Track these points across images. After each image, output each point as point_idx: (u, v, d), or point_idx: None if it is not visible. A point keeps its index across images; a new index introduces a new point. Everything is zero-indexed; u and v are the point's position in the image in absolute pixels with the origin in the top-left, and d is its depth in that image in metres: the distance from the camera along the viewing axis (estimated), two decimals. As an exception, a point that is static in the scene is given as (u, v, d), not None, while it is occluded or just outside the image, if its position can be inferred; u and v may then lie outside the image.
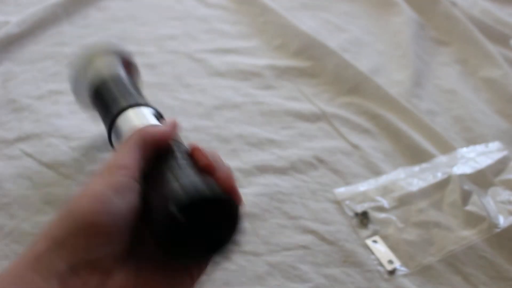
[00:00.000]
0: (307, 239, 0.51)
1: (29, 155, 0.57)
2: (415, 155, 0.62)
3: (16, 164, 0.56)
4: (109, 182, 0.29)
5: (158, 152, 0.33)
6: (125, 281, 0.28)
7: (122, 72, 0.52)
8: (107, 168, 0.30)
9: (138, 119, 0.43)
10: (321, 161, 0.60)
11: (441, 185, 0.57)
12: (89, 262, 0.26)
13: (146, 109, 0.44)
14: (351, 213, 0.54)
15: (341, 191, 0.56)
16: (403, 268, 0.49)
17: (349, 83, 0.73)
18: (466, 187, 0.56)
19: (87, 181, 0.30)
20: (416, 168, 0.60)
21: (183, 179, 0.30)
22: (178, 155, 0.33)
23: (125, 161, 0.31)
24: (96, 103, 0.50)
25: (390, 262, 0.50)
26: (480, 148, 0.64)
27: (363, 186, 0.57)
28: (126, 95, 0.47)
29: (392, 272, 0.49)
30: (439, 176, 0.58)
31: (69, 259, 0.26)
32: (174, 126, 0.36)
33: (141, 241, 0.30)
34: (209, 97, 0.69)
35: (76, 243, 0.26)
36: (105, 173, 0.30)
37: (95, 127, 0.61)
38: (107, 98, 0.48)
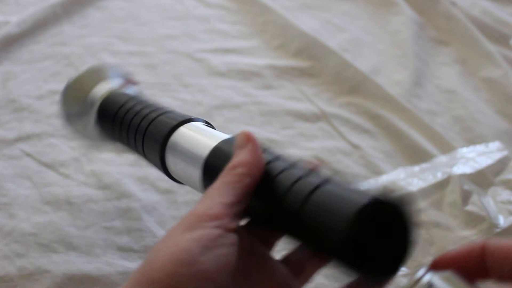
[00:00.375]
0: (307, 239, 0.51)
1: (29, 155, 0.57)
2: (415, 155, 0.62)
3: (16, 164, 0.56)
4: (196, 236, 0.24)
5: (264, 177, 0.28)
6: None
7: (134, 92, 0.47)
8: (194, 218, 0.25)
9: (202, 135, 0.36)
10: (321, 161, 0.60)
11: (441, 185, 0.57)
12: None
13: (197, 123, 0.38)
14: (351, 213, 0.54)
15: (341, 191, 0.56)
16: (403, 268, 0.49)
17: (349, 83, 0.73)
18: (466, 187, 0.56)
19: (168, 233, 0.25)
20: (416, 168, 0.60)
21: (335, 188, 0.26)
22: (297, 170, 0.28)
23: (215, 210, 0.25)
24: (115, 129, 0.44)
25: (390, 262, 0.50)
26: (480, 148, 0.63)
27: (363, 186, 0.57)
28: (164, 112, 0.40)
29: (392, 272, 0.49)
30: (439, 176, 0.58)
31: None
32: (254, 142, 0.29)
33: None
34: (209, 97, 0.69)
35: None
36: (191, 224, 0.25)
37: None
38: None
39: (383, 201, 0.24)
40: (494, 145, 0.64)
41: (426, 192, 0.57)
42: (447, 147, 0.63)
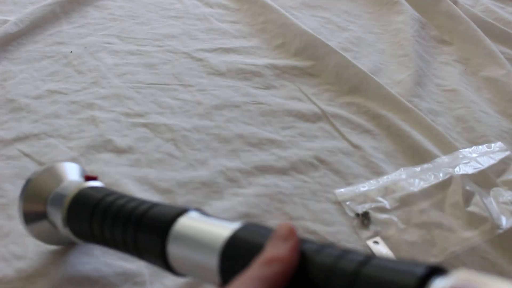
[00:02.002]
0: (307, 240, 0.50)
1: (27, 155, 0.56)
2: (417, 155, 0.61)
3: (14, 164, 0.55)
4: None
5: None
6: None
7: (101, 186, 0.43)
8: None
9: (208, 223, 0.33)
10: (321, 161, 0.60)
11: (443, 185, 0.57)
12: None
13: (194, 213, 0.35)
14: (352, 214, 0.54)
15: (342, 191, 0.56)
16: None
17: (350, 83, 0.72)
18: (468, 187, 0.56)
19: None
20: (418, 169, 0.59)
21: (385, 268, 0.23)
22: (333, 250, 0.26)
23: None
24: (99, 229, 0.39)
25: (392, 263, 0.49)
26: (482, 148, 0.63)
27: (364, 187, 0.57)
28: (155, 205, 0.37)
29: (393, 274, 0.48)
30: (441, 176, 0.58)
31: None
32: (295, 237, 0.26)
33: None
34: (209, 97, 0.68)
35: None
36: None
37: (93, 127, 0.61)
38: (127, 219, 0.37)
39: (438, 268, 0.23)
40: (497, 145, 0.64)
41: (428, 192, 0.56)
42: (449, 148, 0.62)
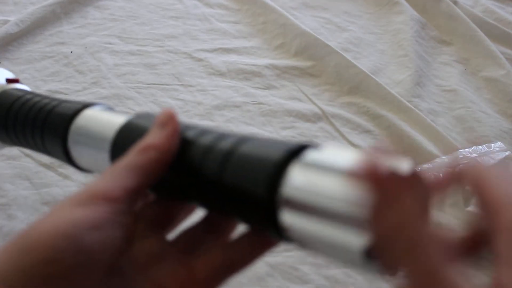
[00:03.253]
0: (307, 240, 0.50)
1: (27, 155, 0.56)
2: (417, 156, 0.61)
3: (15, 164, 0.55)
4: (86, 213, 0.22)
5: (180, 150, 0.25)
6: None
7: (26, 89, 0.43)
8: (89, 195, 0.23)
9: (109, 114, 0.32)
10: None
11: (443, 185, 0.57)
12: None
13: (100, 106, 0.34)
14: (352, 214, 0.54)
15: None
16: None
17: (350, 83, 0.72)
18: (468, 187, 0.56)
19: (55, 206, 0.23)
20: (418, 169, 0.59)
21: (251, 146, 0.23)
22: (209, 135, 0.26)
23: (114, 192, 0.23)
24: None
25: (392, 263, 0.49)
26: (482, 148, 0.63)
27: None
28: (63, 101, 0.36)
29: (393, 273, 0.48)
30: (441, 176, 0.58)
31: None
32: (175, 124, 0.26)
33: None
34: (209, 97, 0.68)
35: (31, 284, 0.20)
36: (83, 200, 0.22)
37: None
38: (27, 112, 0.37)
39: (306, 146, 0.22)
40: (496, 145, 0.64)
41: (428, 192, 0.56)
42: (449, 148, 0.62)
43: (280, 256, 0.49)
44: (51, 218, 0.22)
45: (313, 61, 0.76)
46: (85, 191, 0.23)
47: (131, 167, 0.24)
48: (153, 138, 0.25)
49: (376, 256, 0.19)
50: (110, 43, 0.77)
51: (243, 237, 0.25)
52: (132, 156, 0.24)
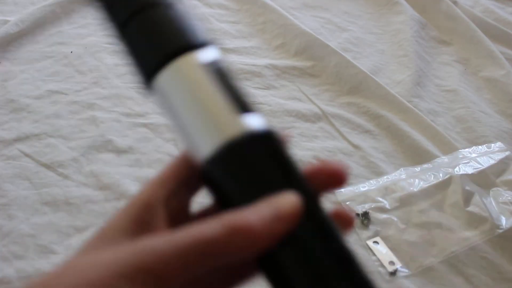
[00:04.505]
0: (307, 240, 0.50)
1: (28, 155, 0.56)
2: (416, 156, 0.61)
3: (15, 164, 0.55)
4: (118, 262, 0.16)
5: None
6: None
7: None
8: (131, 263, 0.17)
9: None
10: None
11: (443, 185, 0.57)
12: None
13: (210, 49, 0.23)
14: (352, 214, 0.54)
15: (342, 191, 0.56)
16: (404, 270, 0.49)
17: (350, 83, 0.72)
18: (468, 187, 0.56)
19: (71, 255, 0.18)
20: (417, 169, 0.59)
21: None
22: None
23: (166, 268, 0.17)
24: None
25: (392, 263, 0.49)
26: (482, 148, 0.63)
27: (364, 187, 0.57)
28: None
29: (393, 273, 0.49)
30: (441, 176, 0.58)
31: None
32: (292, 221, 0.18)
33: None
34: (209, 97, 0.68)
35: None
36: (105, 243, 0.18)
37: (94, 127, 0.61)
38: None
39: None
40: (496, 145, 0.64)
41: (428, 192, 0.56)
42: (448, 148, 0.62)
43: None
44: (72, 271, 0.17)
45: (313, 61, 0.76)
46: (128, 255, 0.17)
47: (202, 246, 0.17)
48: (256, 220, 0.18)
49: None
50: (110, 43, 0.77)
51: None
52: (213, 231, 0.17)
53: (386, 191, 0.56)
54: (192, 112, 0.21)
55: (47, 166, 0.55)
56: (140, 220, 0.19)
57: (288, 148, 0.21)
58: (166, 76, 0.21)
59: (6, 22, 0.75)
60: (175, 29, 0.23)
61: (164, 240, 0.17)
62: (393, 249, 0.51)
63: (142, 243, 0.17)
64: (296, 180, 0.20)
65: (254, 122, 0.21)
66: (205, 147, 0.20)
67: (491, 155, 0.62)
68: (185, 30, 0.23)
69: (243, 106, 0.21)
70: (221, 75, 0.22)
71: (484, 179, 0.58)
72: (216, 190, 0.21)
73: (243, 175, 0.20)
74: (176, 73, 0.21)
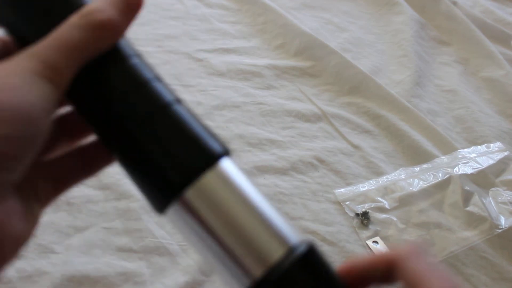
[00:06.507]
0: (307, 240, 0.51)
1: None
2: (416, 156, 0.62)
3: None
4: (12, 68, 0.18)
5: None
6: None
7: None
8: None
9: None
10: (321, 161, 0.60)
11: (442, 185, 0.57)
12: None
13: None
14: (351, 214, 0.54)
15: (342, 191, 0.56)
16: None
17: (350, 83, 0.72)
18: (467, 187, 0.56)
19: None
20: (417, 169, 0.59)
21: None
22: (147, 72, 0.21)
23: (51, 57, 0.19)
24: None
25: (391, 263, 0.49)
26: (481, 148, 0.63)
27: (363, 187, 0.57)
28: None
29: (392, 273, 0.49)
30: (440, 176, 0.58)
31: None
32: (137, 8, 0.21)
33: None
34: (209, 97, 0.69)
35: None
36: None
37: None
38: None
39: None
40: (496, 145, 0.64)
41: (427, 192, 0.56)
42: (448, 148, 0.62)
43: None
44: None
45: (313, 61, 0.77)
46: (32, 57, 0.18)
47: (72, 27, 0.19)
48: (106, 7, 0.20)
49: None
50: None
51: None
52: (73, 30, 0.19)
53: (385, 191, 0.57)
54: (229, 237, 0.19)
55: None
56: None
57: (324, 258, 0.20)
58: (193, 196, 0.19)
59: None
60: (194, 139, 0.20)
61: (49, 44, 0.19)
62: (392, 248, 0.51)
63: (33, 49, 0.19)
64: None
65: (292, 237, 0.19)
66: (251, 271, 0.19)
67: (490, 155, 0.62)
68: (204, 139, 0.20)
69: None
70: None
71: (484, 179, 0.58)
72: None
73: None
74: (206, 191, 0.19)
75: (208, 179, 0.19)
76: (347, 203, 0.55)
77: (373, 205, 0.55)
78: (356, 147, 0.62)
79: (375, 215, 0.54)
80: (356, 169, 0.59)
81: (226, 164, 0.20)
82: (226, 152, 0.21)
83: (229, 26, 0.84)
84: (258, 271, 0.18)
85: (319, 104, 0.69)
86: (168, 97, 0.21)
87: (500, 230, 0.53)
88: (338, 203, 0.55)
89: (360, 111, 0.68)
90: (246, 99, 0.69)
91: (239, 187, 0.20)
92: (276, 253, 0.19)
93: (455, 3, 0.90)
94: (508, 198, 0.57)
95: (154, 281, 0.44)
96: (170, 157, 0.20)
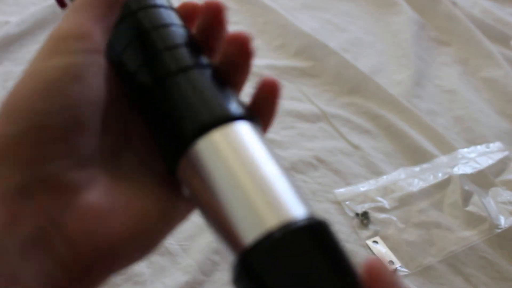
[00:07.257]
0: (307, 239, 0.51)
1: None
2: (416, 156, 0.62)
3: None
4: (63, 63, 0.19)
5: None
6: (97, 202, 0.19)
7: None
8: (57, 41, 0.20)
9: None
10: (321, 161, 0.60)
11: (442, 185, 0.57)
12: (43, 179, 0.18)
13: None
14: (351, 214, 0.54)
15: (342, 191, 0.56)
16: (403, 269, 0.49)
17: (350, 83, 0.73)
18: (467, 187, 0.56)
19: (31, 60, 0.20)
20: (417, 169, 0.60)
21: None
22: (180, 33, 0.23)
23: (83, 27, 0.20)
24: None
25: (391, 262, 0.50)
26: (481, 148, 0.63)
27: (363, 187, 0.57)
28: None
29: (392, 273, 0.49)
30: (440, 176, 0.58)
31: (15, 176, 0.17)
32: None
33: (122, 143, 0.22)
34: (209, 97, 0.69)
35: (23, 153, 0.18)
36: (55, 49, 0.19)
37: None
38: None
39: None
40: (495, 145, 0.64)
41: (427, 192, 0.57)
42: (447, 148, 0.62)
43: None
44: (29, 78, 0.19)
45: (313, 62, 0.77)
46: (52, 36, 0.20)
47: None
48: None
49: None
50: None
51: None
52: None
53: (385, 191, 0.57)
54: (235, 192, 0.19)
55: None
56: None
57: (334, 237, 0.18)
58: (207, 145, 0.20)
59: (7, 22, 0.76)
60: (212, 97, 0.22)
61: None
62: (392, 248, 0.51)
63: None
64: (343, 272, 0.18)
65: (298, 210, 0.18)
66: (245, 235, 0.18)
67: (490, 155, 0.62)
68: (223, 100, 0.22)
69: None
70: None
71: (483, 179, 0.58)
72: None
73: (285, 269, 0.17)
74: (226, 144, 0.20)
75: (217, 136, 0.20)
76: (347, 203, 0.55)
77: (373, 205, 0.55)
78: (356, 147, 0.63)
79: (375, 215, 0.54)
80: (356, 169, 0.59)
81: (244, 127, 0.21)
82: (247, 117, 0.22)
83: (229, 26, 0.85)
84: (249, 238, 0.17)
85: (319, 104, 0.69)
86: (203, 61, 0.23)
87: (499, 230, 0.53)
88: (338, 203, 0.55)
89: (360, 111, 0.69)
90: (246, 99, 0.69)
91: (250, 150, 0.20)
92: (271, 221, 0.17)
93: (454, 4, 0.91)
94: (508, 198, 0.57)
95: (154, 280, 0.44)
96: (188, 111, 0.21)
